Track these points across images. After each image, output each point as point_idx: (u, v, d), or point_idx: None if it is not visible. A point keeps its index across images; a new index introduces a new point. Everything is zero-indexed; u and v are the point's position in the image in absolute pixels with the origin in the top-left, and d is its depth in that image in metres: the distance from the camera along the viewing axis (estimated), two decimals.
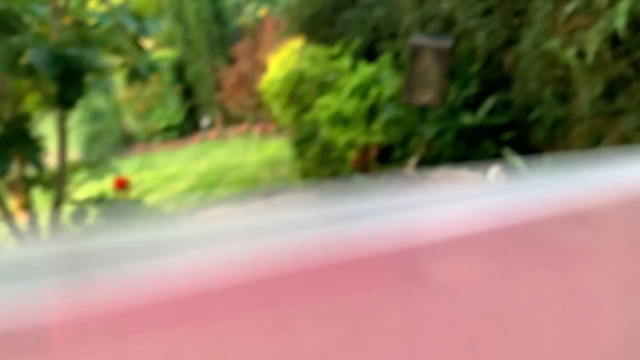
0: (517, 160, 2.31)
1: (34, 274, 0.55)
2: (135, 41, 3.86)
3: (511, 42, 2.66)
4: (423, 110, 2.75)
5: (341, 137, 3.08)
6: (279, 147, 6.60)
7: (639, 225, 0.72)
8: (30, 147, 3.07)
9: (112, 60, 3.88)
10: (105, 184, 4.32)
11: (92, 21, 2.85)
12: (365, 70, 3.30)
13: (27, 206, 3.72)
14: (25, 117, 3.34)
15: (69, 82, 2.90)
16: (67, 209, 3.90)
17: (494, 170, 1.75)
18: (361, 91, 3.22)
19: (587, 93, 2.38)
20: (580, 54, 2.29)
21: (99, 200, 3.84)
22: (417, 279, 0.63)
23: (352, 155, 3.04)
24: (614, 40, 2.13)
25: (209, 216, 4.76)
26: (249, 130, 8.16)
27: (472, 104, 2.66)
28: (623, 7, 2.01)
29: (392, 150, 3.06)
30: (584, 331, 0.69)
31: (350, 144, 3.05)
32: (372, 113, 3.13)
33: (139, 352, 0.54)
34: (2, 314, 0.50)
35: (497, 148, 2.62)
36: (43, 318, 0.52)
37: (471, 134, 2.65)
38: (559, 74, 2.46)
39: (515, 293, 0.65)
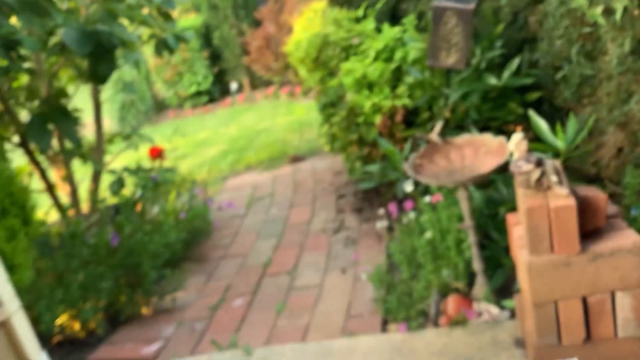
0: (541, 122, 2.32)
1: None
2: (161, 12, 3.91)
3: (536, 0, 2.61)
4: (448, 73, 2.75)
5: (366, 102, 3.10)
6: (306, 109, 6.62)
7: None
8: (67, 122, 3.22)
9: (140, 32, 3.95)
10: (141, 153, 4.47)
11: None
12: (390, 32, 3.28)
13: (68, 178, 3.90)
14: (62, 93, 3.47)
15: (100, 58, 3.00)
16: (106, 179, 4.07)
17: (515, 138, 1.77)
18: (386, 54, 3.21)
19: (615, 50, 2.34)
20: (608, 11, 2.24)
21: (136, 169, 4.00)
22: None
23: (378, 119, 3.06)
24: None
25: (239, 182, 4.89)
26: (276, 92, 8.18)
27: (497, 65, 2.64)
28: None
29: (418, 114, 3.07)
30: None
31: (376, 109, 3.07)
32: (397, 76, 3.13)
33: None
34: None
35: (523, 109, 2.61)
36: None
37: (496, 95, 2.65)
38: (586, 31, 2.41)
39: None
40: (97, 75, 3.12)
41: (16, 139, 3.52)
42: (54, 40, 3.07)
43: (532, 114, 2.34)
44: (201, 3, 8.98)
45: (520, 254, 1.83)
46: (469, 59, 2.59)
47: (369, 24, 3.64)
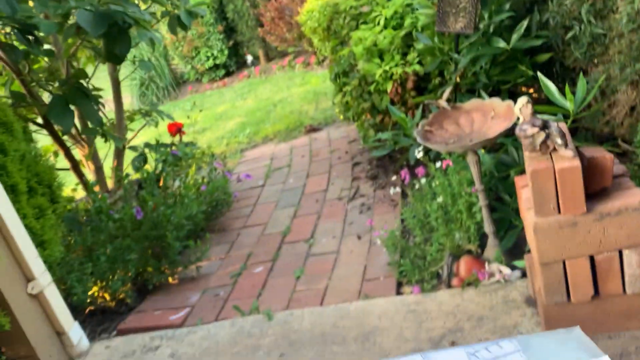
0: (550, 84, 2.32)
1: None
2: None
3: None
4: (457, 38, 2.74)
5: (377, 70, 3.12)
6: (321, 79, 6.63)
7: None
8: (87, 102, 3.31)
9: (154, 10, 3.99)
10: (162, 129, 4.57)
11: None
12: None
13: (92, 156, 4.03)
14: (81, 74, 3.56)
15: (115, 38, 3.07)
16: (129, 156, 4.19)
17: (520, 102, 1.79)
18: (395, 21, 3.21)
19: (625, 8, 2.31)
20: None
21: (157, 145, 4.10)
22: None
23: (389, 87, 3.08)
24: None
25: (257, 154, 4.97)
26: (291, 63, 8.18)
27: (506, 28, 2.62)
28: None
29: (429, 80, 3.08)
30: None
31: (387, 76, 3.09)
32: (407, 43, 3.14)
33: None
34: None
35: (533, 71, 2.61)
36: None
37: (506, 58, 2.64)
38: None
39: None
40: (113, 55, 3.19)
41: (40, 120, 3.64)
42: (69, 22, 3.14)
43: (541, 76, 2.34)
44: None
45: (528, 216, 1.88)
46: (477, 23, 2.58)
47: None
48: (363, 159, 4.03)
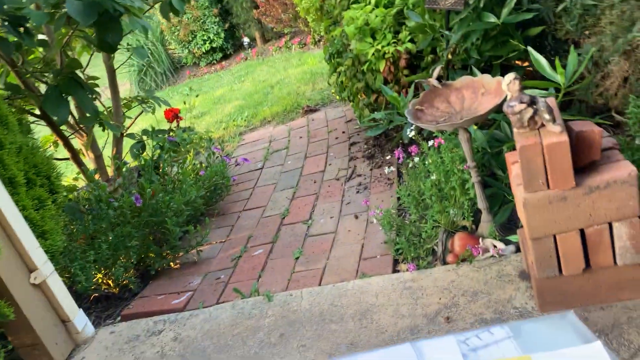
0: (540, 58, 2.31)
1: None
2: None
3: None
4: (447, 15, 2.72)
5: (370, 49, 3.11)
6: (318, 59, 6.60)
7: None
8: (82, 92, 3.32)
9: None
10: (160, 116, 4.58)
11: None
12: None
13: (91, 145, 4.05)
14: (75, 63, 3.56)
15: (106, 27, 3.07)
16: (129, 143, 4.21)
17: (507, 79, 1.79)
18: (386, 0, 3.19)
19: None
20: None
21: (154, 132, 4.12)
22: None
23: (382, 66, 3.08)
24: None
25: (255, 136, 4.97)
26: (287, 44, 8.13)
27: (497, 2, 2.60)
28: None
29: (422, 58, 3.07)
30: None
31: (380, 55, 3.08)
32: (398, 22, 3.12)
33: None
34: None
35: (525, 45, 2.59)
36: None
37: (497, 33, 2.62)
38: None
39: None
40: (105, 44, 3.19)
41: (38, 111, 3.66)
42: (60, 12, 3.13)
43: (531, 50, 2.33)
44: None
45: (518, 192, 1.89)
46: None
47: None
48: (360, 139, 4.04)
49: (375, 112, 3.22)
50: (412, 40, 3.03)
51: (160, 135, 3.95)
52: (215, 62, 9.18)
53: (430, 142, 2.53)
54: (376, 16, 3.09)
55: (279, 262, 2.90)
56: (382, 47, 3.04)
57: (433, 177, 2.47)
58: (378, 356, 0.72)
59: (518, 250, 2.26)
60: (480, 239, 2.33)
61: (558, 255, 1.89)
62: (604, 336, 1.75)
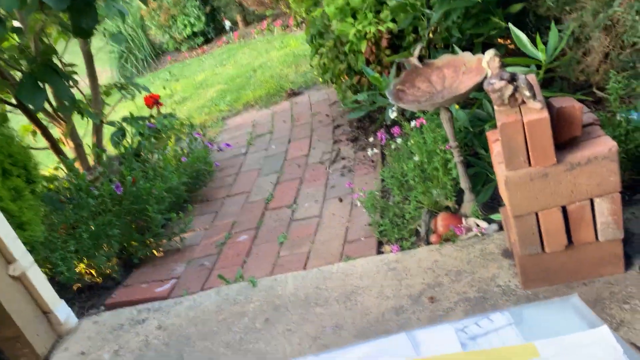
0: (521, 34, 2.29)
1: None
2: None
3: None
4: None
5: (351, 29, 3.07)
6: (300, 41, 6.53)
7: None
8: (58, 80, 3.24)
9: None
10: (141, 102, 4.50)
11: None
12: None
13: (71, 133, 3.98)
14: (50, 50, 3.48)
15: (80, 12, 2.99)
16: (109, 131, 4.14)
17: (487, 56, 1.77)
18: None
19: None
20: None
21: (134, 118, 4.05)
22: None
23: (364, 46, 3.04)
24: None
25: (238, 121, 4.92)
26: (270, 26, 8.03)
27: None
28: None
29: (403, 38, 3.04)
30: None
31: (361, 36, 3.04)
32: (379, 1, 3.07)
33: None
34: None
35: (506, 22, 2.57)
36: None
37: (478, 11, 2.60)
38: None
39: None
40: (81, 29, 3.11)
41: (14, 100, 3.57)
42: None
43: (512, 27, 2.31)
44: None
45: (499, 170, 1.88)
46: None
47: None
48: (344, 122, 4.01)
49: (358, 94, 3.19)
50: (393, 20, 3.00)
51: (140, 122, 3.89)
52: (196, 46, 9.05)
53: (413, 123, 2.51)
54: None
55: (264, 247, 2.88)
56: (363, 27, 3.00)
57: (416, 158, 2.46)
58: (372, 347, 0.70)
59: (501, 228, 2.26)
60: (463, 219, 2.32)
61: (540, 232, 1.89)
62: None
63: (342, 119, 4.06)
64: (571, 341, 0.64)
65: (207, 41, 9.10)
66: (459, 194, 2.42)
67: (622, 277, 1.87)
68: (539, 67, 2.33)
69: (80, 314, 2.76)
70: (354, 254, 2.50)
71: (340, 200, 3.03)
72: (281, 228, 3.00)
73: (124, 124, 4.01)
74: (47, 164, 4.63)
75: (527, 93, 1.74)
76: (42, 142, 3.95)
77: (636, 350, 0.59)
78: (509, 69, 1.94)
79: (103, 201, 3.06)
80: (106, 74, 9.06)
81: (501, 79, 1.76)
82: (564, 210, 1.85)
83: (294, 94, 5.08)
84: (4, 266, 2.31)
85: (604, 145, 1.78)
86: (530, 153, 1.77)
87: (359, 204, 2.73)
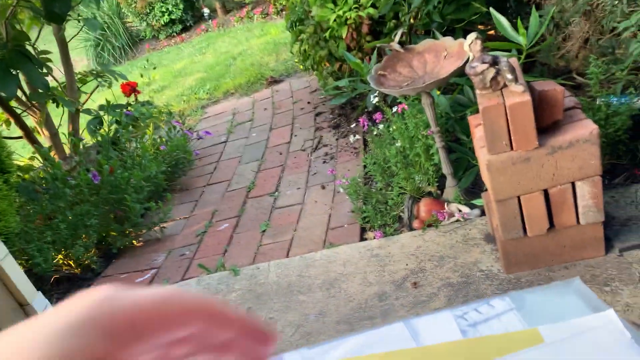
0: (502, 19, 2.28)
1: None
2: None
3: None
4: None
5: (331, 15, 3.03)
6: (280, 29, 6.46)
7: None
8: (31, 66, 3.15)
9: None
10: (118, 91, 4.41)
11: None
12: None
13: (46, 122, 3.88)
14: (22, 36, 3.38)
15: None
16: (85, 119, 4.05)
17: (469, 39, 1.76)
18: None
19: None
20: None
21: (111, 106, 3.97)
22: None
23: (345, 32, 3.01)
24: None
25: (218, 109, 4.86)
26: (249, 14, 7.94)
27: None
28: None
29: (384, 24, 3.01)
30: None
31: (341, 21, 3.01)
32: None
33: None
34: None
35: (487, 7, 2.56)
36: None
37: None
38: None
39: None
40: (53, 14, 3.03)
41: None
42: None
43: (493, 11, 2.30)
44: None
45: (481, 154, 1.87)
46: None
47: None
48: (325, 109, 3.98)
49: (339, 80, 3.16)
50: (373, 6, 2.97)
51: (117, 110, 3.81)
52: (175, 34, 8.91)
53: (395, 109, 2.49)
54: None
55: (246, 235, 2.85)
56: (344, 12, 2.97)
57: (398, 144, 2.44)
58: (369, 337, 0.68)
59: (483, 213, 2.26)
60: (445, 204, 2.32)
61: (522, 216, 1.89)
62: None
63: (324, 106, 4.03)
64: (577, 325, 0.62)
65: (186, 29, 8.97)
66: (441, 180, 2.41)
67: (602, 260, 1.88)
68: (519, 52, 2.33)
69: None
70: (337, 240, 2.49)
71: (323, 187, 3.01)
72: (263, 216, 2.97)
73: (101, 112, 3.92)
74: (23, 154, 4.53)
75: (509, 76, 1.73)
76: (17, 131, 3.85)
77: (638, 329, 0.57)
78: (491, 54, 1.93)
79: (80, 191, 3.00)
80: (83, 63, 8.88)
81: (483, 62, 1.75)
82: (546, 194, 1.85)
83: (274, 81, 5.03)
84: None
85: (586, 129, 1.79)
86: (512, 137, 1.77)
87: (341, 190, 2.71)
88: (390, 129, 2.53)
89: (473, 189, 2.39)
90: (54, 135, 3.89)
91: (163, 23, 8.73)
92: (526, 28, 2.28)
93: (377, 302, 2.02)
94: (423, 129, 2.34)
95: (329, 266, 2.30)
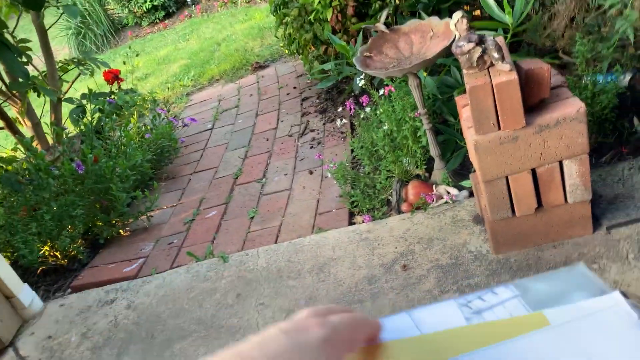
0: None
1: None
2: None
3: None
4: None
5: None
6: (265, 13, 6.38)
7: None
8: (9, 55, 3.08)
9: None
10: (101, 79, 4.34)
11: None
12: None
13: (27, 112, 3.81)
14: (1, 25, 3.29)
15: None
16: (68, 109, 3.97)
17: (454, 18, 1.73)
18: None
19: None
20: None
21: (94, 95, 3.90)
22: None
23: (329, 14, 2.96)
24: None
25: (204, 96, 4.80)
26: None
27: None
28: None
29: (370, 5, 2.97)
30: None
31: (326, 3, 2.96)
32: None
33: None
34: None
35: None
36: None
37: None
38: None
39: None
40: (31, 2, 2.96)
41: None
42: None
43: None
44: None
45: (469, 134, 1.86)
46: None
47: None
48: (312, 93, 3.95)
49: (325, 64, 3.13)
50: None
51: (100, 99, 3.74)
52: (158, 21, 8.78)
53: (381, 91, 2.47)
54: None
55: (234, 222, 2.83)
56: None
57: (385, 127, 2.42)
58: None
59: (471, 195, 2.26)
60: (433, 187, 2.31)
61: (510, 196, 1.89)
62: None
63: (310, 90, 3.99)
64: (583, 308, 0.61)
65: (169, 15, 8.83)
66: (429, 162, 2.40)
67: (590, 238, 1.89)
68: (505, 31, 2.31)
69: (45, 298, 2.67)
70: (326, 225, 2.47)
71: (311, 172, 2.99)
72: (251, 203, 2.95)
73: (83, 101, 3.86)
74: (5, 145, 4.45)
75: (496, 55, 1.72)
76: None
77: None
78: (477, 33, 1.91)
79: (65, 181, 2.95)
80: (64, 52, 8.73)
81: (469, 41, 1.73)
82: (534, 173, 1.85)
83: (260, 67, 4.97)
84: None
85: (572, 107, 1.78)
86: (499, 116, 1.76)
87: (329, 175, 2.69)
88: (377, 112, 2.51)
89: (461, 171, 2.39)
90: (36, 125, 3.82)
91: (145, 10, 8.59)
92: (512, 7, 2.26)
93: (366, 285, 2.02)
94: (410, 111, 2.32)
95: (318, 251, 2.29)
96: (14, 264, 2.77)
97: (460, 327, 0.64)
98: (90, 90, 3.77)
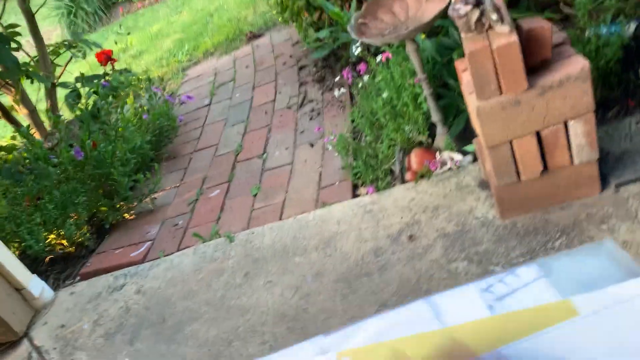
0: None
1: None
2: None
3: None
4: None
5: None
6: None
7: None
8: None
9: None
10: (94, 60, 4.26)
11: None
12: None
13: (22, 99, 3.76)
14: None
15: None
16: (63, 94, 3.92)
17: None
18: None
19: None
20: None
21: (88, 77, 3.84)
22: None
23: None
24: None
25: (199, 71, 4.72)
26: None
27: None
28: None
29: None
30: None
31: None
32: None
33: None
34: None
35: None
36: None
37: None
38: None
39: None
40: None
41: None
42: None
43: None
44: None
45: (470, 100, 1.81)
46: None
47: None
48: (309, 62, 3.86)
49: (320, 31, 3.05)
50: None
51: (95, 82, 3.69)
52: None
53: (379, 58, 2.40)
54: None
55: (237, 201, 2.81)
56: None
57: (384, 95, 2.37)
58: (391, 319, 0.64)
59: (475, 159, 2.22)
60: (437, 153, 2.27)
61: (515, 160, 1.85)
62: (566, 235, 1.75)
63: (307, 59, 3.91)
64: (613, 294, 0.58)
65: None
66: (431, 128, 2.36)
67: (598, 197, 1.85)
68: None
69: (56, 286, 2.69)
70: (330, 199, 2.45)
71: (312, 145, 2.95)
72: (253, 179, 2.92)
73: (77, 85, 3.80)
74: (3, 134, 4.42)
75: (494, 17, 1.65)
76: None
77: None
78: None
79: (65, 169, 2.93)
80: (56, 33, 8.60)
81: (466, 3, 1.66)
82: (538, 136, 1.80)
83: (254, 36, 4.87)
84: None
85: (575, 65, 1.72)
86: (501, 80, 1.70)
87: (330, 147, 2.65)
88: (376, 80, 2.45)
89: (464, 135, 2.34)
90: (32, 112, 3.78)
91: None
92: None
93: (373, 258, 2.00)
94: (409, 77, 2.26)
95: (323, 226, 2.27)
96: (22, 255, 2.78)
97: (482, 319, 0.61)
98: (82, 74, 3.71)
